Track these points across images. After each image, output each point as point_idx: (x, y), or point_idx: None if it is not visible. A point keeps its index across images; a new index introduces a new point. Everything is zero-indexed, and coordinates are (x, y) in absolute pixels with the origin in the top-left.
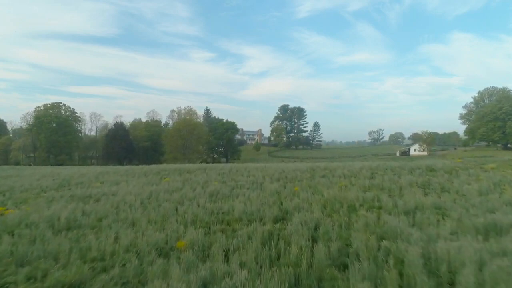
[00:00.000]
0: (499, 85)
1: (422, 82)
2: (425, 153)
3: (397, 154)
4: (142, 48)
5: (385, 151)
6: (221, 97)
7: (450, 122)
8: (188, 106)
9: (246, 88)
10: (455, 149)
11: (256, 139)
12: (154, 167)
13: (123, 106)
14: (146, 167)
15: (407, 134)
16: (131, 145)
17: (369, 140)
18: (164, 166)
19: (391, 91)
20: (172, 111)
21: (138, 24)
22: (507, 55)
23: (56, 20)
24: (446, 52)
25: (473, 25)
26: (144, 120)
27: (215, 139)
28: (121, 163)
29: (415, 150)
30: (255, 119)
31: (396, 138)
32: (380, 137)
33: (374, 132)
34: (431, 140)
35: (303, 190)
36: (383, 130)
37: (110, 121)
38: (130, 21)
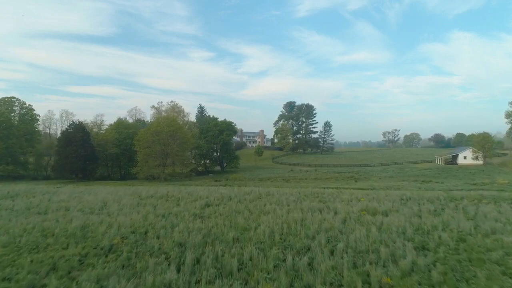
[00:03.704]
0: (499, 84)
1: (422, 82)
2: (479, 161)
3: (438, 162)
4: (140, 47)
5: (409, 156)
6: (221, 96)
7: (451, 121)
8: (172, 101)
9: (246, 87)
10: (506, 154)
11: (257, 142)
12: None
13: (122, 106)
14: None
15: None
16: (92, 151)
17: (381, 141)
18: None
19: (391, 91)
20: (153, 107)
21: (136, 23)
22: (507, 54)
23: (54, 19)
24: (446, 51)
25: (473, 24)
26: (130, 120)
27: (206, 143)
28: (79, 176)
29: (465, 157)
30: (255, 119)
31: (411, 140)
32: (396, 138)
33: (389, 132)
34: (490, 146)
35: None
36: (399, 130)
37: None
38: (128, 20)
